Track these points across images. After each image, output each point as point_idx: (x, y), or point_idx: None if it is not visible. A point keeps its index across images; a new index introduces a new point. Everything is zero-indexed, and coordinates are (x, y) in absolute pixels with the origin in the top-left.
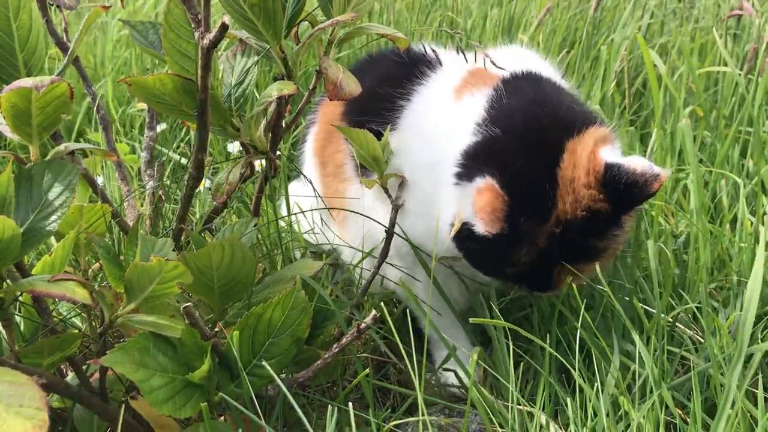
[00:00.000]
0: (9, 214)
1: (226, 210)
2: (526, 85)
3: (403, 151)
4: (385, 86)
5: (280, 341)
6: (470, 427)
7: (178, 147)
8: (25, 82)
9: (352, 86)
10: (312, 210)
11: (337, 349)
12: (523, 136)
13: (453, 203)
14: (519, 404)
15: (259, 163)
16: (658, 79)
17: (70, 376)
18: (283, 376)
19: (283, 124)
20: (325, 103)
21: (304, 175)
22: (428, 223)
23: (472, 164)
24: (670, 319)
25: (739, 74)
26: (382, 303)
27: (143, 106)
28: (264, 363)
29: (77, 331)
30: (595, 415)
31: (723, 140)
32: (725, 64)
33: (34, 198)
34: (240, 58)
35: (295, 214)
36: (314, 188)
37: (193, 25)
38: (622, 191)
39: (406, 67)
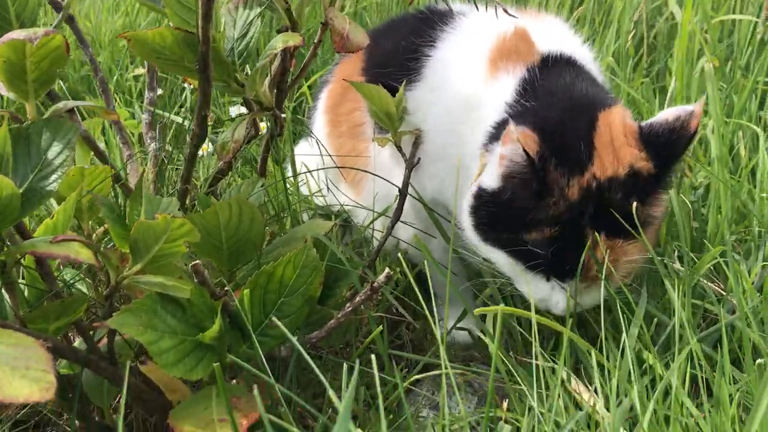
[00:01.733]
0: (7, 174)
1: (231, 172)
2: (559, 69)
3: (427, 104)
4: (409, 38)
5: (292, 300)
6: (486, 384)
7: (178, 113)
8: (18, 33)
9: (360, 37)
10: (322, 169)
11: (350, 308)
12: (555, 106)
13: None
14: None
15: (263, 125)
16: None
17: (77, 342)
18: (296, 337)
19: (289, 80)
20: (342, 62)
21: (313, 135)
22: (452, 187)
23: (501, 128)
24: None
25: (756, 21)
26: (392, 264)
27: (141, 71)
28: (277, 321)
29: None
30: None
31: (740, 91)
32: (741, 12)
33: (32, 157)
34: (242, 11)
35: (302, 173)
36: (323, 148)
37: None
38: (663, 143)
39: (429, 21)
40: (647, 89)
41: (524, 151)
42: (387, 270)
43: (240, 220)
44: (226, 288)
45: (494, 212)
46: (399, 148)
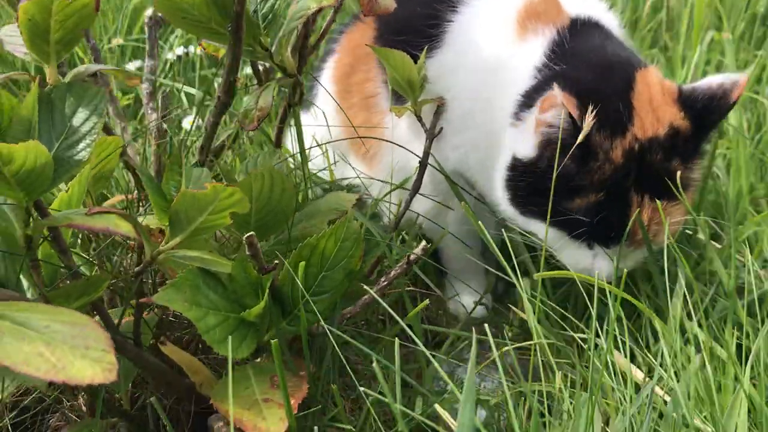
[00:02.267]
0: None
1: (234, 145)
2: (589, 32)
3: (449, 70)
4: (428, 3)
5: (333, 274)
6: (506, 359)
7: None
8: None
9: (388, 1)
10: (333, 141)
11: (386, 282)
12: (590, 69)
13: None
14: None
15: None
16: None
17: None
18: (335, 313)
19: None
20: (350, 31)
21: (337, 101)
22: (477, 156)
23: (534, 97)
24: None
25: None
26: (410, 241)
27: (117, 42)
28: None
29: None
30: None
31: (746, 65)
32: None
33: (56, 124)
34: None
35: (311, 147)
36: (348, 118)
37: None
38: (702, 108)
39: None
40: (656, 59)
41: (570, 116)
42: (423, 243)
43: (271, 191)
44: (276, 262)
45: (532, 183)
46: (419, 118)
